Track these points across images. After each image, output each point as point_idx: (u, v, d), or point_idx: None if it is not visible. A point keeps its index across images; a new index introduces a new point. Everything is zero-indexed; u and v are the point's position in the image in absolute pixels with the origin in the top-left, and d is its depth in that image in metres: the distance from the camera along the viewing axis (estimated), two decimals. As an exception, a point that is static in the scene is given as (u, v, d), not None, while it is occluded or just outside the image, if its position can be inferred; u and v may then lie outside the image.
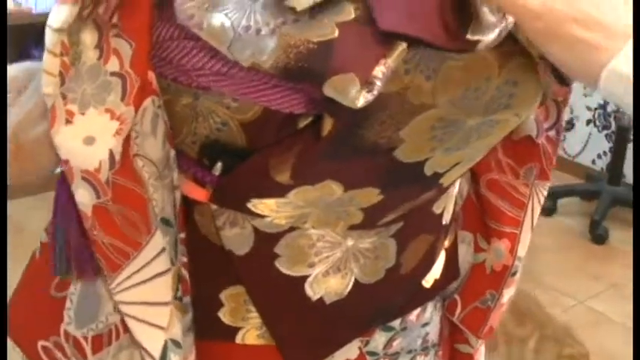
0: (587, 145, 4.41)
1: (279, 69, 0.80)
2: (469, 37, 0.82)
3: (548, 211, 3.88)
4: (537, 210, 1.18)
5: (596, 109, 4.36)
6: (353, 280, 1.01)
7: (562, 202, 3.90)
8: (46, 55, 0.85)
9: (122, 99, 0.87)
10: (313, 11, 0.80)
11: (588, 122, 4.40)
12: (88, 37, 0.86)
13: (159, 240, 0.92)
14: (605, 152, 4.32)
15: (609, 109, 4.29)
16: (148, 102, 0.88)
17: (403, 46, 0.81)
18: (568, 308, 3.28)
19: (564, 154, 4.48)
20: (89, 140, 0.87)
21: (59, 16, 0.84)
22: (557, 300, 3.29)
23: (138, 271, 0.93)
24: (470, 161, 1.00)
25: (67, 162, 0.89)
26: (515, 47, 0.88)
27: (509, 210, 1.16)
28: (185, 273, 0.96)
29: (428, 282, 1.11)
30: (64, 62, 0.86)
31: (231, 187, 0.93)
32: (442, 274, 1.13)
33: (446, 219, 1.09)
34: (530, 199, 1.17)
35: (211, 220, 0.97)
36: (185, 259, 0.97)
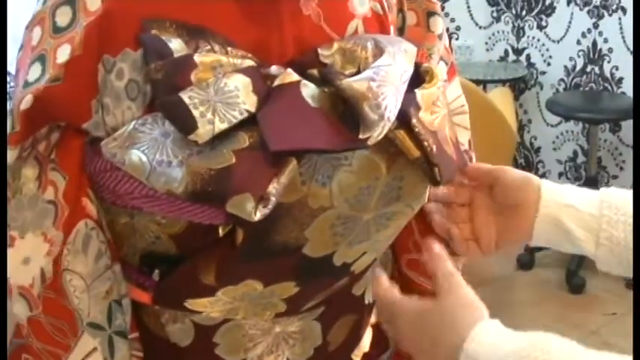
0: (560, 198, 4.55)
1: (189, 193, 0.95)
2: (361, 136, 0.97)
3: (528, 264, 4.02)
4: None
5: (566, 161, 4.51)
6: None
7: (539, 255, 4.02)
8: None
9: (53, 224, 1.02)
10: (214, 143, 0.95)
11: (560, 175, 4.55)
12: (30, 172, 1.02)
13: (87, 341, 1.05)
14: (579, 203, 4.45)
15: (579, 160, 4.45)
16: (80, 224, 1.04)
17: (293, 162, 0.96)
18: (549, 358, 3.39)
19: (540, 208, 4.62)
20: (26, 261, 1.03)
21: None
22: (538, 351, 3.40)
23: None
24: (376, 251, 1.14)
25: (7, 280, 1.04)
26: (398, 149, 1.03)
27: (430, 285, 1.30)
28: None
29: (357, 356, 1.25)
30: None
31: (169, 290, 1.07)
32: (371, 347, 1.27)
33: (368, 299, 1.24)
34: None
35: (156, 318, 1.12)
36: (139, 354, 1.11)
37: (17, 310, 1.05)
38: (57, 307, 1.04)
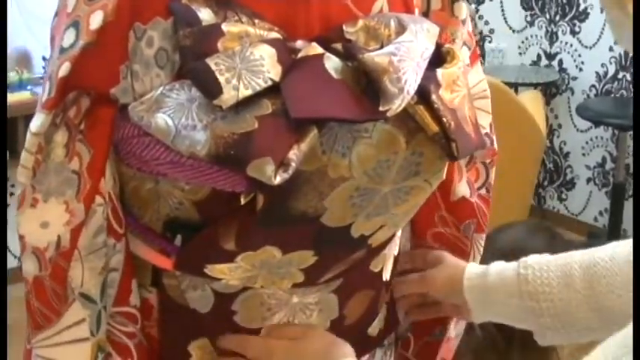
0: (588, 203, 4.55)
1: (212, 156, 0.98)
2: (381, 108, 1.00)
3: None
4: (477, 258, 1.35)
5: (594, 167, 4.51)
6: None
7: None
8: (24, 153, 1.06)
9: (76, 195, 1.06)
10: (237, 108, 0.97)
11: (588, 181, 4.55)
12: (60, 137, 1.06)
13: (78, 311, 1.09)
14: (606, 209, 4.45)
15: (607, 166, 4.44)
16: (99, 200, 1.08)
17: (314, 131, 0.99)
18: (569, 361, 3.40)
19: (567, 213, 4.63)
20: (44, 224, 1.07)
21: (37, 122, 1.04)
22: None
23: (57, 333, 1.10)
24: (394, 226, 1.17)
25: (22, 237, 1.08)
26: (417, 125, 1.06)
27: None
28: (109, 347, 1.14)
29: (374, 331, 1.27)
30: (37, 159, 1.06)
31: (190, 255, 1.10)
32: (385, 324, 1.30)
33: (386, 276, 1.26)
34: (472, 249, 1.34)
35: (177, 285, 1.15)
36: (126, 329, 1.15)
37: (27, 266, 1.09)
38: (62, 275, 1.08)
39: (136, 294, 1.15)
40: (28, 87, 3.78)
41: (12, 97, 3.63)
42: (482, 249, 1.36)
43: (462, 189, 1.29)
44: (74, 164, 1.07)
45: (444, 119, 1.04)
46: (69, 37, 1.04)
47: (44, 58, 3.69)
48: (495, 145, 1.31)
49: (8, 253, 4.01)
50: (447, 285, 1.29)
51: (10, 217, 4.23)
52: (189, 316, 1.16)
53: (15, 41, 3.86)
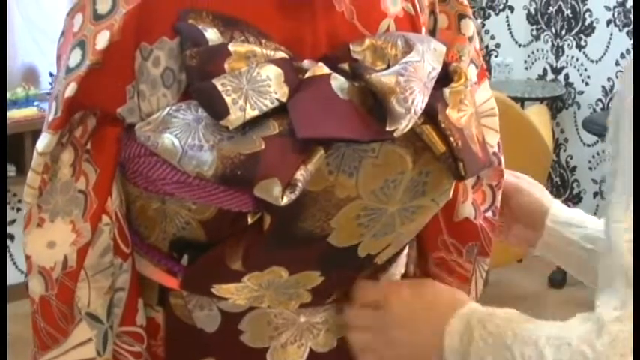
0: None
1: (218, 177, 0.98)
2: (387, 128, 1.00)
3: (559, 283, 4.01)
4: (480, 282, 1.34)
5: (601, 181, 4.50)
6: (308, 349, 1.18)
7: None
8: (30, 173, 1.06)
9: (83, 215, 1.06)
10: (244, 129, 0.98)
11: (595, 195, 4.54)
12: (66, 156, 1.06)
13: (84, 330, 1.09)
14: (613, 223, 4.43)
15: (614, 181, 4.43)
16: (105, 219, 1.08)
17: (321, 151, 0.99)
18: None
19: (574, 227, 4.61)
20: (51, 244, 1.07)
21: (44, 142, 1.04)
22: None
23: (63, 353, 1.10)
24: (400, 243, 1.17)
25: (29, 257, 1.08)
26: (424, 144, 1.05)
27: (456, 285, 1.32)
28: None
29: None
30: (43, 179, 1.06)
31: (196, 275, 1.10)
32: None
33: (392, 294, 1.26)
34: (474, 273, 1.33)
35: (184, 304, 1.15)
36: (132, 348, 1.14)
37: (33, 285, 1.09)
38: (69, 294, 1.08)
39: (143, 313, 1.15)
40: (35, 103, 3.79)
41: (19, 113, 3.64)
42: (484, 273, 1.34)
43: (467, 210, 1.27)
44: (81, 184, 1.07)
45: (451, 139, 1.04)
46: (75, 57, 1.04)
47: (51, 74, 3.70)
48: (503, 166, 1.30)
49: (15, 269, 4.02)
50: (529, 205, 1.34)
51: (18, 233, 4.23)
52: (195, 336, 1.16)
53: (22, 57, 3.88)
